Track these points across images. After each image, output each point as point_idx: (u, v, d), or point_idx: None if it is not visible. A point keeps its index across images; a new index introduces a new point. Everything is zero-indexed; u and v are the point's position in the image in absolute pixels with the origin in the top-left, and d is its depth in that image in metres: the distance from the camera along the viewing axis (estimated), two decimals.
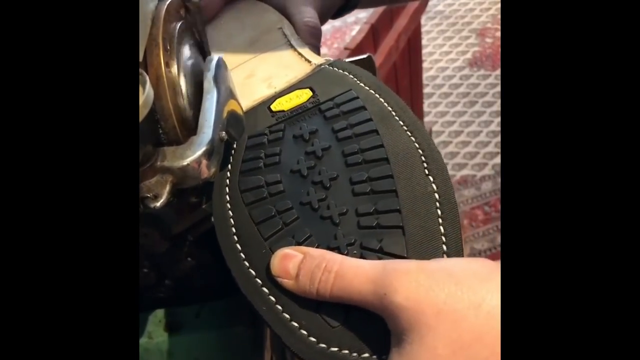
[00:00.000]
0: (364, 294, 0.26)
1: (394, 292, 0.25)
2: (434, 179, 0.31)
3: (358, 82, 0.37)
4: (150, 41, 0.30)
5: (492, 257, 1.60)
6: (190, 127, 0.32)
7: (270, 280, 0.29)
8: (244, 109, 0.38)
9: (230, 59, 0.43)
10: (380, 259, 0.29)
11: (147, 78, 0.27)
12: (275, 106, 0.38)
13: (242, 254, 0.31)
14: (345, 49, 1.24)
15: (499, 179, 1.82)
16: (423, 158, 0.32)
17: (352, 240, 0.30)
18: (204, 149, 0.30)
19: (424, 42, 2.19)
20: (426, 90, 2.17)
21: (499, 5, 2.54)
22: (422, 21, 1.89)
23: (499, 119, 2.04)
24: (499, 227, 1.67)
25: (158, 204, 0.29)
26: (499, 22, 2.49)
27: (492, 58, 2.34)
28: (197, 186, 0.32)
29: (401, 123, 0.34)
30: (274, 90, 0.39)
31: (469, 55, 2.40)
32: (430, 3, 2.61)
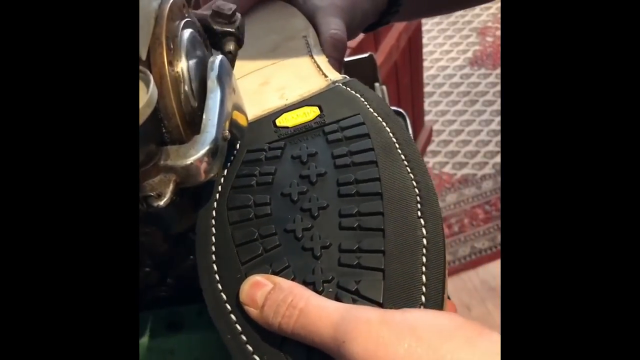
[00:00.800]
0: (324, 337, 0.25)
1: (353, 340, 0.24)
2: (425, 223, 0.29)
3: (368, 106, 0.35)
4: (154, 40, 0.30)
5: (493, 256, 1.60)
6: (194, 126, 0.32)
7: (240, 307, 0.28)
8: (252, 117, 0.37)
9: (250, 62, 0.43)
10: (355, 301, 0.27)
11: (151, 77, 0.27)
12: (280, 121, 0.37)
13: (217, 276, 0.30)
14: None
15: (499, 178, 1.82)
16: (418, 198, 0.30)
17: (330, 278, 0.28)
18: (207, 148, 0.30)
19: (424, 40, 2.19)
20: (427, 89, 2.17)
21: (499, 4, 2.54)
22: (423, 20, 1.90)
23: (499, 118, 2.04)
24: (500, 226, 1.67)
25: (161, 203, 0.29)
26: (500, 20, 2.49)
27: (493, 57, 2.34)
28: (200, 185, 0.32)
29: (403, 157, 0.32)
30: (285, 102, 0.38)
31: (469, 54, 2.40)
32: None
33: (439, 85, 2.27)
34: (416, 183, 0.31)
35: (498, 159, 1.88)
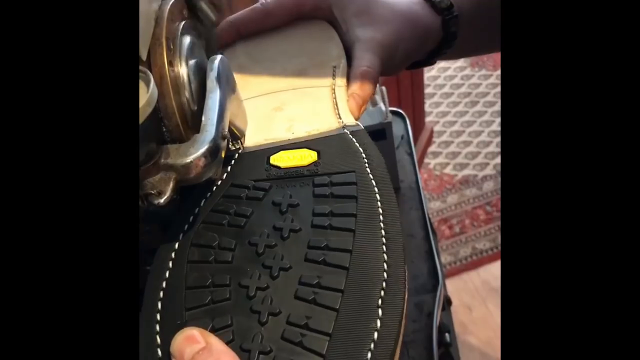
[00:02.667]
0: None
1: None
2: (382, 314, 0.27)
3: (366, 165, 0.33)
4: (154, 41, 0.31)
5: (494, 257, 1.60)
6: (193, 126, 0.32)
7: (169, 356, 0.27)
8: (253, 144, 0.36)
9: (272, 81, 0.42)
10: None
11: (152, 77, 0.28)
12: (275, 159, 0.35)
13: (158, 315, 0.29)
14: None
15: (500, 179, 1.82)
16: (384, 285, 0.28)
17: (268, 350, 0.26)
18: (206, 147, 0.30)
19: None
20: (427, 90, 2.18)
21: None
22: None
23: (500, 119, 2.04)
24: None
25: (162, 201, 0.29)
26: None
27: (494, 58, 2.34)
28: (200, 184, 0.33)
29: (383, 232, 0.30)
30: (291, 135, 0.36)
31: None
32: None
33: (439, 86, 2.27)
34: (387, 267, 0.29)
35: (499, 159, 1.89)
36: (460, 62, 2.37)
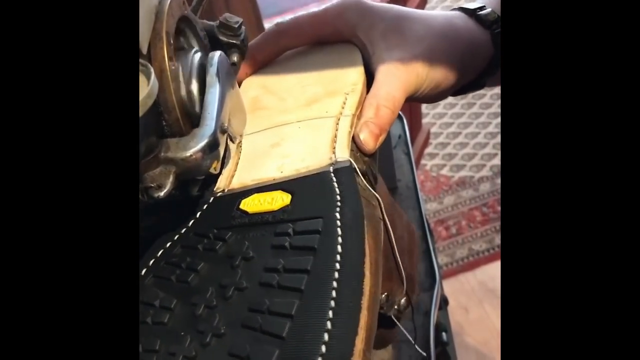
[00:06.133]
0: None
1: None
2: None
3: (337, 210, 0.29)
4: (154, 35, 0.31)
5: (491, 258, 1.60)
6: (193, 120, 0.32)
7: None
8: (240, 184, 0.34)
9: (281, 114, 0.39)
10: None
11: (152, 70, 0.28)
12: (245, 203, 0.32)
13: None
14: None
15: (497, 180, 1.82)
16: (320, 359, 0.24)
17: None
18: (205, 141, 0.30)
19: None
20: None
21: None
22: None
23: (497, 121, 2.05)
24: (497, 227, 1.68)
25: (162, 194, 0.29)
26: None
27: None
28: (200, 178, 0.33)
29: (333, 297, 0.25)
30: (279, 174, 0.33)
31: None
32: (428, 5, 2.61)
33: None
34: (328, 338, 0.24)
35: (495, 161, 1.89)
36: None
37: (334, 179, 0.31)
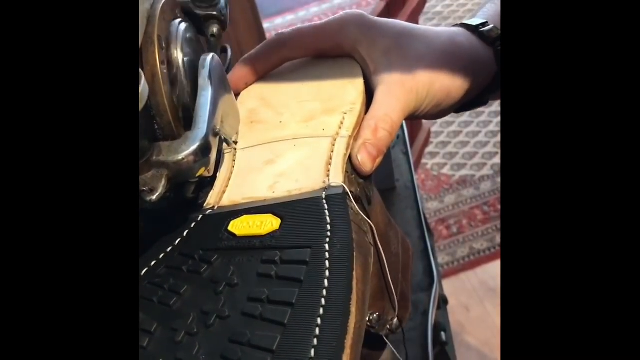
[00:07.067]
0: None
1: None
2: None
3: (326, 241, 0.29)
4: (146, 39, 0.31)
5: (492, 257, 1.60)
6: (185, 123, 0.32)
7: None
8: (230, 202, 0.33)
9: (277, 129, 0.38)
10: None
11: (143, 74, 0.28)
12: (234, 225, 0.31)
13: None
14: None
15: (497, 179, 1.82)
16: None
17: None
18: (198, 144, 0.30)
19: None
20: None
21: None
22: (421, 22, 1.90)
23: (497, 119, 2.05)
24: (498, 226, 1.67)
25: (154, 197, 0.29)
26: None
27: None
28: (193, 181, 0.33)
29: (317, 333, 0.25)
30: (270, 195, 0.33)
31: None
32: (428, 4, 2.62)
33: None
34: None
35: (496, 160, 1.89)
36: None
37: (326, 206, 0.31)
